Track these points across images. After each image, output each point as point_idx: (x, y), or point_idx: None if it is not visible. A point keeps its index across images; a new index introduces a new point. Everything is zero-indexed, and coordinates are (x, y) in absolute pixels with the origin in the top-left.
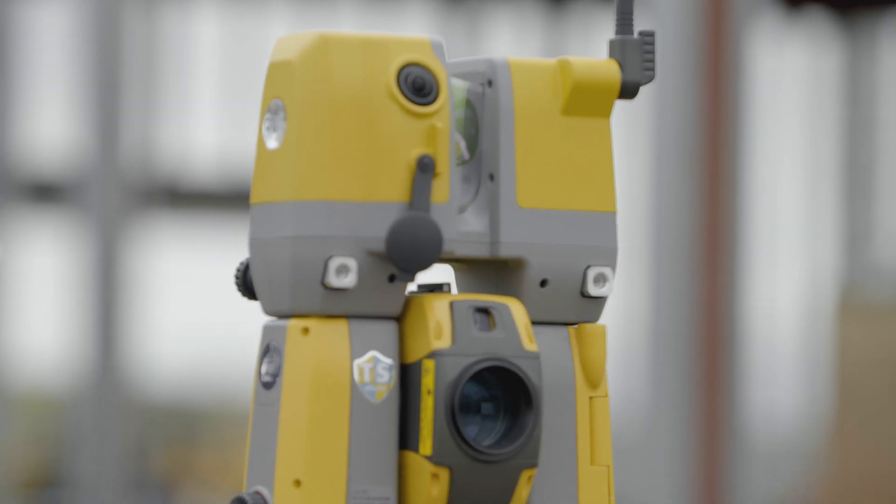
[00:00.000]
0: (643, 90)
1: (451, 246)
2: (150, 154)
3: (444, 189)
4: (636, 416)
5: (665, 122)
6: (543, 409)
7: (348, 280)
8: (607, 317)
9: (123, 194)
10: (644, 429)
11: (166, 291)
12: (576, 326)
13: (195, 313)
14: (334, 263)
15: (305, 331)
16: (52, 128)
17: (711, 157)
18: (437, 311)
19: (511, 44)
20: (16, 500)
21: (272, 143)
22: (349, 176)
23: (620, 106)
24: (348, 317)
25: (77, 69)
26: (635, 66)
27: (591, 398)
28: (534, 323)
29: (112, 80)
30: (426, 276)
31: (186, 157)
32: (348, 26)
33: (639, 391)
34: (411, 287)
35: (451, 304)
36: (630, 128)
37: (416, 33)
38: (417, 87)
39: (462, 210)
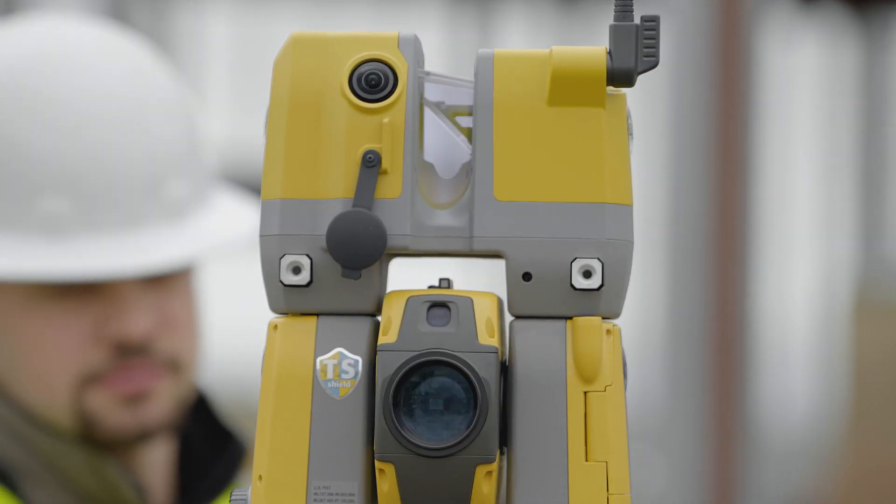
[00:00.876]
0: (659, 84)
1: (404, 241)
2: None
3: (396, 185)
4: (650, 413)
5: (679, 119)
6: (533, 405)
7: (300, 278)
8: (623, 313)
9: None
10: (658, 425)
11: None
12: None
13: (212, 311)
14: (286, 262)
15: (275, 328)
16: None
17: (726, 154)
18: (393, 307)
19: (523, 40)
20: None
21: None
22: (303, 174)
23: (634, 101)
24: (319, 313)
25: None
26: (627, 52)
27: (585, 393)
28: (528, 317)
29: None
30: (438, 273)
31: None
32: (358, 24)
33: (653, 388)
34: (433, 283)
35: (408, 300)
36: (644, 125)
37: (426, 30)
38: (372, 83)
39: (450, 204)
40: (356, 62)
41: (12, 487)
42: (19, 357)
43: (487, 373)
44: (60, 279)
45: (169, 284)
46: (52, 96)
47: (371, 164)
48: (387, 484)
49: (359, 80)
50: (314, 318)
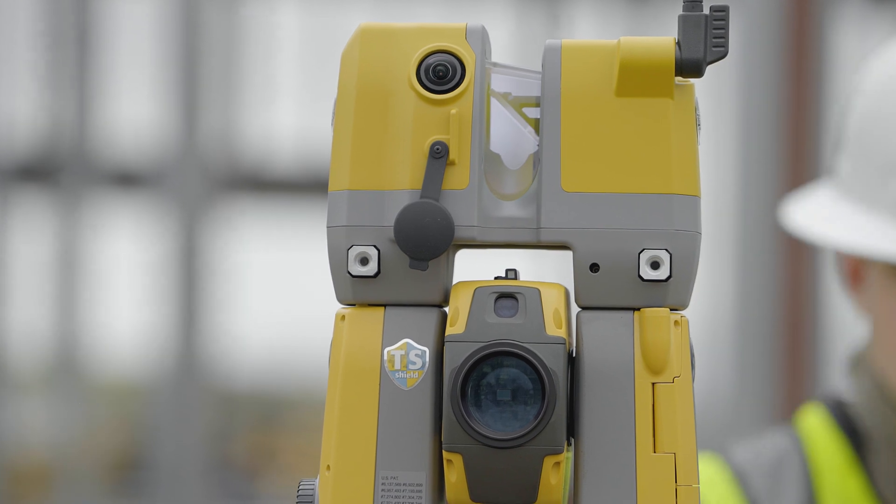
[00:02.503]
0: (727, 74)
1: (471, 232)
2: (232, 142)
3: (463, 176)
4: (718, 404)
5: (748, 109)
6: (601, 396)
7: (368, 269)
8: (691, 305)
9: (205, 182)
10: (726, 417)
11: (248, 278)
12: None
13: (276, 300)
14: (353, 252)
15: (342, 318)
16: (136, 116)
17: (795, 145)
18: (460, 298)
19: (592, 32)
20: (101, 482)
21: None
22: (370, 165)
23: (703, 92)
24: (387, 304)
25: (160, 58)
26: (696, 42)
27: (653, 384)
28: (595, 308)
29: (194, 69)
30: (508, 264)
31: (268, 145)
32: (427, 16)
33: (721, 379)
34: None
35: (475, 291)
36: (713, 115)
37: (494, 22)
38: (440, 74)
39: (517, 195)
40: (424, 53)
41: (861, 454)
42: (876, 332)
43: (555, 364)
44: None
45: None
46: None
47: (438, 155)
48: (455, 474)
49: (426, 71)
50: (381, 309)
